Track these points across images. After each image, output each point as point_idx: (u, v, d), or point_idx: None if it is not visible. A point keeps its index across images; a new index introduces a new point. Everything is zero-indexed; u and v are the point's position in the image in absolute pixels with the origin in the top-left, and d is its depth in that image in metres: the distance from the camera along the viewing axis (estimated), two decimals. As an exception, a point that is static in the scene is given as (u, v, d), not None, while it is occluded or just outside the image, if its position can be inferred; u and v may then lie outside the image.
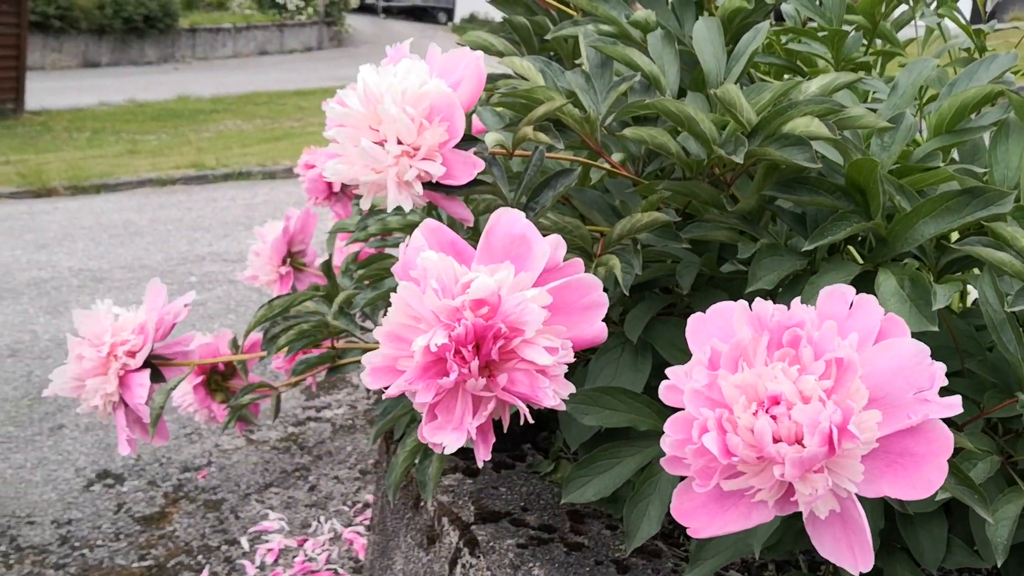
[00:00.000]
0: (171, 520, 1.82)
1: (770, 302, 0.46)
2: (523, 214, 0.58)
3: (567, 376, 0.60)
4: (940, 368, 0.45)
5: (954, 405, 0.43)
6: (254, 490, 1.95)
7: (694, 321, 0.50)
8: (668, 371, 0.48)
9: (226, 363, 1.31)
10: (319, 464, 2.06)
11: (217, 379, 1.31)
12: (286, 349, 0.96)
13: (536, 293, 0.55)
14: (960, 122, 0.81)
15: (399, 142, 0.66)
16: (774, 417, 0.43)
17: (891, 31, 1.25)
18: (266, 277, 1.27)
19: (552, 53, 1.16)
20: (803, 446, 0.42)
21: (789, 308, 0.46)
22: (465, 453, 1.02)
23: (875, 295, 0.68)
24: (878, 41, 1.25)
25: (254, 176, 6.12)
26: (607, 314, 0.89)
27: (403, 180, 0.66)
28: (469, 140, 0.70)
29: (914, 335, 0.46)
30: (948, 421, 0.71)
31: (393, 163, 0.66)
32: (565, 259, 0.69)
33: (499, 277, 0.55)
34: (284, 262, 1.26)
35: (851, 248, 0.82)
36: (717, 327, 0.49)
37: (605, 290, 0.70)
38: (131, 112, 9.10)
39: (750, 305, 0.47)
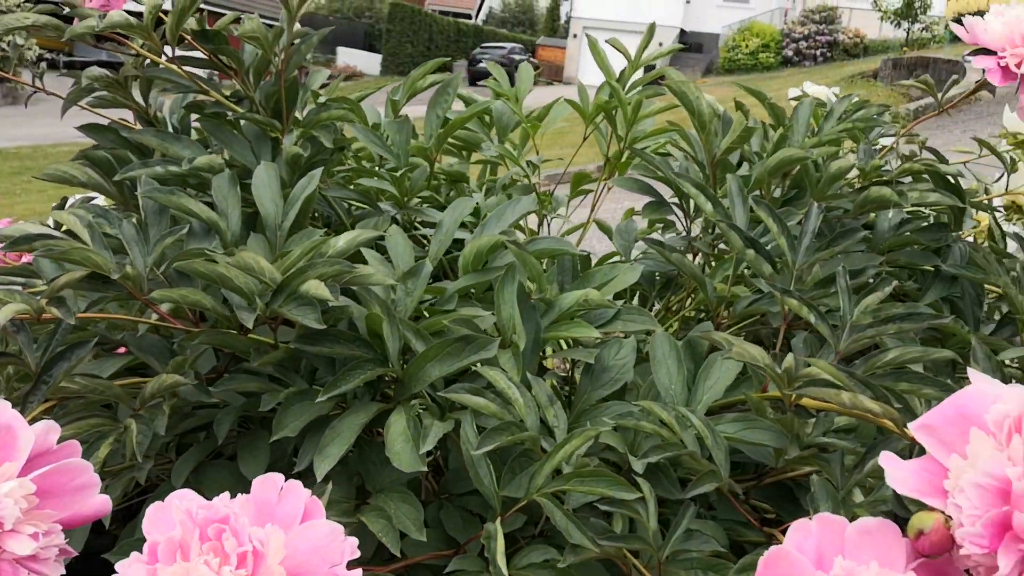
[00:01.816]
0: None
1: (199, 499, 0.52)
2: (8, 404, 0.60)
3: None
4: (351, 544, 0.52)
5: (355, 578, 0.51)
6: None
7: (152, 510, 0.55)
8: (117, 565, 0.52)
9: None
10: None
11: None
12: None
13: (15, 485, 0.57)
14: (482, 263, 0.93)
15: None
16: (197, 608, 0.49)
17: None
18: None
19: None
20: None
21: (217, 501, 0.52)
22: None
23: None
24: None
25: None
26: (169, 456, 0.92)
27: (-97, 363, 0.66)
28: (-17, 314, 0.71)
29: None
30: (451, 542, 0.80)
31: None
32: (82, 430, 0.72)
33: (-24, 473, 0.57)
34: None
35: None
36: (174, 515, 0.54)
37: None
38: None
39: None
